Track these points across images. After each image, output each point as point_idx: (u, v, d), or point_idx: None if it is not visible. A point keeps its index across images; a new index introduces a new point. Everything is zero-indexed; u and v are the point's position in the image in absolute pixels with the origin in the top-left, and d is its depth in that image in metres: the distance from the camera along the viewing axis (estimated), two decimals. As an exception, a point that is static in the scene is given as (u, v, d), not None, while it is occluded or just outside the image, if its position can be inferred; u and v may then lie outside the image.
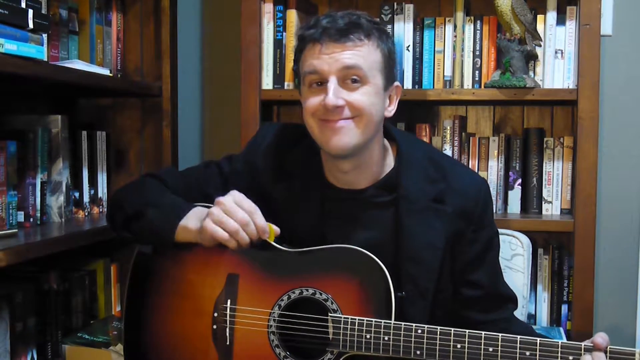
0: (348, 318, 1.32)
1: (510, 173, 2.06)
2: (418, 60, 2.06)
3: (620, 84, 2.15)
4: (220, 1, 2.41)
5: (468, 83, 2.03)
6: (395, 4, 2.04)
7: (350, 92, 1.32)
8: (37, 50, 1.55)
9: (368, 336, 1.31)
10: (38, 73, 1.58)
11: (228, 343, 1.39)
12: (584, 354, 1.24)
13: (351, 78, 1.32)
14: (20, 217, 1.76)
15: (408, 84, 2.05)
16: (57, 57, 1.86)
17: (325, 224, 1.46)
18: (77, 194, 2.00)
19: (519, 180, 2.06)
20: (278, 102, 2.25)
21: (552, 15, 1.98)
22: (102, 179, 2.09)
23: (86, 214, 2.01)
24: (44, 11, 1.71)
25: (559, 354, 1.24)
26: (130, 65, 2.18)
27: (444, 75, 2.04)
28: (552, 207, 2.04)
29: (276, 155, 1.50)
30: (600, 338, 1.26)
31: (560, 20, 1.98)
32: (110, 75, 1.99)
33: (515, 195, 2.06)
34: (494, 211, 2.03)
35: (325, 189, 1.47)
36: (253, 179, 1.51)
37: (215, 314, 1.41)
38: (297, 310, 1.37)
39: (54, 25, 1.84)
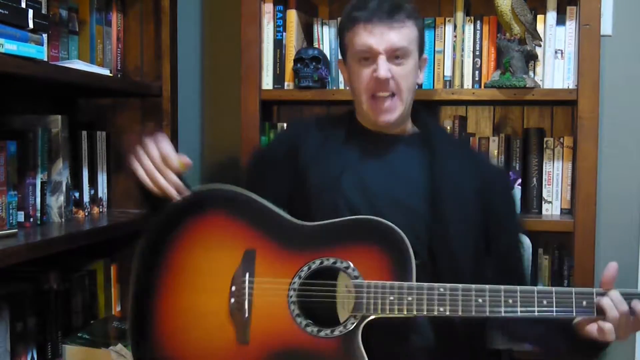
0: (371, 282, 1.34)
1: (510, 173, 2.06)
2: (418, 60, 2.06)
3: (620, 84, 2.15)
4: (220, 1, 2.41)
5: (468, 83, 2.03)
6: (395, 4, 2.04)
7: (395, 67, 1.50)
8: (37, 50, 1.55)
9: (392, 298, 1.33)
10: (38, 73, 1.58)
11: (246, 316, 1.39)
12: (597, 297, 1.32)
13: (396, 55, 1.49)
14: (20, 217, 1.76)
15: (408, 84, 2.05)
16: (57, 57, 1.86)
17: (365, 163, 1.54)
18: (77, 194, 2.00)
19: (519, 180, 2.06)
20: (278, 102, 2.25)
21: (552, 15, 1.98)
22: (102, 179, 2.09)
23: (86, 214, 2.01)
24: (44, 11, 1.71)
25: (574, 299, 1.30)
26: (130, 65, 2.18)
27: (444, 75, 2.05)
28: (552, 207, 2.04)
29: (313, 124, 1.65)
30: (608, 272, 1.36)
31: (560, 20, 1.98)
32: (110, 75, 1.99)
33: (515, 195, 2.06)
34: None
35: (362, 133, 1.59)
36: (293, 147, 1.59)
37: (233, 288, 1.40)
38: (319, 280, 1.39)
39: (54, 25, 1.84)
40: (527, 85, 1.91)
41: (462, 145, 1.65)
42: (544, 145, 2.04)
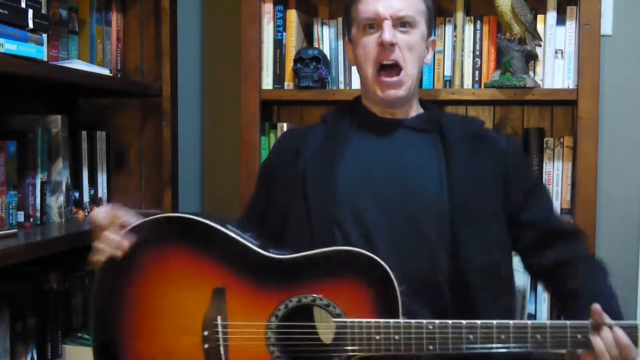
0: (354, 321, 1.28)
1: (510, 173, 2.06)
2: (418, 60, 2.05)
3: (620, 84, 2.15)
4: (220, 1, 2.41)
5: (468, 83, 2.03)
6: (395, 4, 2.04)
7: (401, 35, 1.49)
8: (37, 50, 1.55)
9: (377, 337, 1.27)
10: (38, 73, 1.58)
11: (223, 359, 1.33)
12: (591, 333, 1.26)
13: (402, 22, 1.48)
14: (20, 217, 1.76)
15: (408, 84, 2.05)
16: (57, 57, 1.86)
17: (371, 150, 1.51)
18: (77, 194, 2.00)
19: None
20: (278, 102, 2.25)
21: (552, 15, 1.98)
22: (102, 179, 2.09)
23: (86, 214, 2.01)
24: (44, 11, 1.71)
25: (568, 335, 1.26)
26: (130, 65, 2.18)
27: (444, 75, 2.04)
28: (552, 207, 2.04)
29: (311, 126, 1.63)
30: (595, 310, 1.27)
31: (560, 20, 1.98)
32: (110, 75, 1.99)
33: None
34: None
35: (368, 119, 1.55)
36: (296, 155, 1.55)
37: (206, 333, 1.33)
38: (297, 319, 1.32)
39: (54, 25, 1.84)
40: (527, 85, 1.91)
41: (471, 124, 1.60)
42: (544, 145, 2.04)
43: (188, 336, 1.33)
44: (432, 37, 1.61)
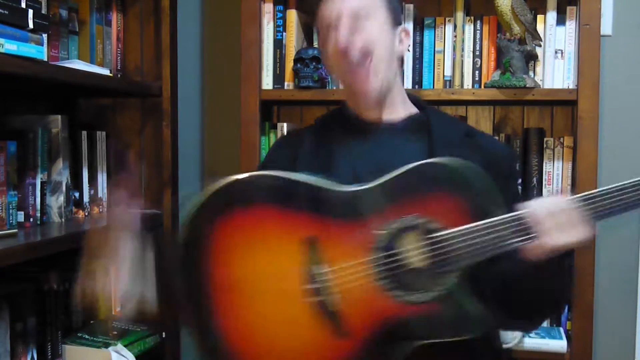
0: (455, 231, 1.25)
1: (510, 173, 2.06)
2: (418, 60, 2.06)
3: (620, 84, 2.15)
4: (220, 1, 2.41)
5: (468, 83, 2.03)
6: (395, 4, 2.04)
7: (360, 31, 1.42)
8: (37, 50, 1.55)
9: (478, 240, 1.24)
10: (38, 73, 1.58)
11: (337, 309, 1.26)
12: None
13: (358, 16, 1.42)
14: (20, 217, 1.76)
15: (408, 84, 2.05)
16: (57, 57, 1.86)
17: (358, 154, 1.47)
18: (77, 194, 2.00)
19: (519, 180, 2.06)
20: (278, 102, 2.25)
21: (552, 15, 1.98)
22: (102, 179, 2.09)
23: (86, 214, 2.01)
24: (44, 11, 1.71)
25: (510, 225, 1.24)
26: (130, 65, 2.18)
27: (444, 75, 2.04)
28: (552, 207, 2.04)
29: (304, 130, 1.59)
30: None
31: (560, 20, 1.98)
32: (110, 75, 1.99)
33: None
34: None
35: (355, 124, 1.51)
36: (294, 152, 1.52)
37: (311, 286, 1.26)
38: (397, 245, 1.28)
39: (54, 25, 1.84)
40: (527, 85, 1.91)
41: (463, 128, 1.58)
42: (544, 145, 2.04)
43: (292, 296, 1.27)
44: (402, 27, 1.52)
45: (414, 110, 1.54)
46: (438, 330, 1.27)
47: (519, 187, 1.52)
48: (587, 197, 1.29)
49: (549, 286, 1.36)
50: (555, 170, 2.04)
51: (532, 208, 1.26)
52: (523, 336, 1.94)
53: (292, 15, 2.08)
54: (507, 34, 1.94)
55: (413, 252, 1.27)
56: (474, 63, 2.03)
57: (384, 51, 1.45)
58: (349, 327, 1.27)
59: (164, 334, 2.06)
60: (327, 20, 1.45)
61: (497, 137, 2.08)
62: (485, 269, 1.30)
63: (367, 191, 1.29)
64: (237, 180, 1.30)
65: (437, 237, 1.26)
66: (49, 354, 1.83)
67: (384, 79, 1.45)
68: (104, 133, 2.10)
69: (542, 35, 1.97)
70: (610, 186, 1.28)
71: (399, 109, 1.51)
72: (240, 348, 1.29)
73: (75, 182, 1.99)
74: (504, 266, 1.32)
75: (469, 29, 2.03)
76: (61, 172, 1.87)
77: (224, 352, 1.29)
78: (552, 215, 1.27)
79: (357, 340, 1.27)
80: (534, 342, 1.92)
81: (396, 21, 1.49)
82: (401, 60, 1.53)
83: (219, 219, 1.29)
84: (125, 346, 1.85)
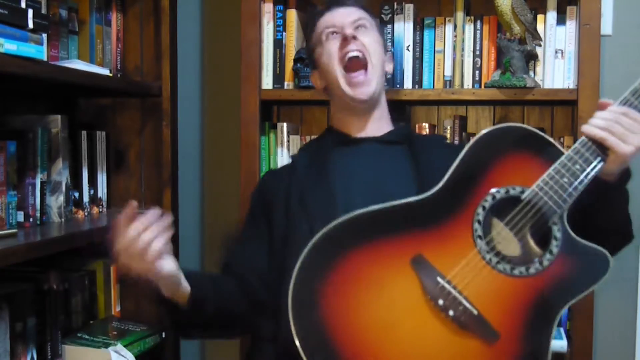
0: (539, 183, 1.30)
1: (510, 173, 2.06)
2: (418, 60, 2.05)
3: (620, 84, 2.14)
4: (220, 1, 2.41)
5: (468, 83, 2.03)
6: (395, 3, 2.04)
7: (360, 34, 1.60)
8: (37, 50, 1.55)
9: (564, 180, 1.30)
10: (38, 73, 1.58)
11: (475, 313, 1.25)
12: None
13: (357, 25, 1.60)
14: (20, 217, 1.76)
15: (408, 84, 2.05)
16: (57, 57, 1.86)
17: (352, 170, 1.56)
18: (76, 194, 2.00)
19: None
20: (278, 102, 2.25)
21: (552, 15, 1.97)
22: (101, 179, 2.09)
23: (86, 214, 2.01)
24: (44, 11, 1.71)
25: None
26: (130, 65, 2.18)
27: (444, 75, 2.04)
28: (552, 207, 2.04)
29: (293, 161, 1.69)
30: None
31: (560, 20, 1.98)
32: (110, 75, 1.99)
33: None
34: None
35: (342, 142, 1.63)
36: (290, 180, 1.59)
37: (440, 302, 1.25)
38: (494, 226, 1.32)
39: (54, 25, 1.84)
40: (527, 85, 1.91)
41: (438, 137, 1.77)
42: (544, 145, 2.04)
43: (427, 321, 1.25)
44: (390, 52, 1.75)
45: (392, 127, 1.67)
46: (576, 286, 1.28)
47: None
48: (631, 93, 1.39)
49: (623, 209, 1.44)
50: (555, 170, 2.04)
51: (595, 125, 1.34)
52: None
53: (292, 15, 2.08)
54: (507, 34, 1.94)
55: (513, 225, 1.30)
56: (474, 63, 2.03)
57: (378, 61, 1.60)
58: (497, 326, 1.24)
59: (164, 334, 2.06)
60: (330, 26, 1.60)
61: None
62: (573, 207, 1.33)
63: (442, 187, 1.34)
64: (325, 233, 1.31)
65: (525, 198, 1.30)
66: (49, 354, 1.83)
67: (376, 88, 1.58)
68: (104, 133, 2.10)
69: (542, 35, 1.97)
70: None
71: (384, 125, 1.65)
72: None
73: (75, 182, 1.99)
74: (586, 200, 1.35)
75: (469, 29, 2.03)
76: (61, 172, 1.87)
77: None
78: (616, 122, 1.33)
79: (512, 337, 1.24)
80: (534, 342, 1.92)
81: (385, 45, 1.69)
82: (385, 81, 1.69)
83: (324, 277, 1.28)
84: (125, 346, 1.85)
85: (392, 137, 1.63)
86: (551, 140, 1.38)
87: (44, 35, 1.66)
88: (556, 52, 1.98)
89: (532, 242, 1.33)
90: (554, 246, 1.30)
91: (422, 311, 1.26)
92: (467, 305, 1.25)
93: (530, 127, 1.40)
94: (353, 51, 1.56)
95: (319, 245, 1.30)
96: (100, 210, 2.07)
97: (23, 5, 1.53)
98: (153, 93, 2.12)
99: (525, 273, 1.28)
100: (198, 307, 1.40)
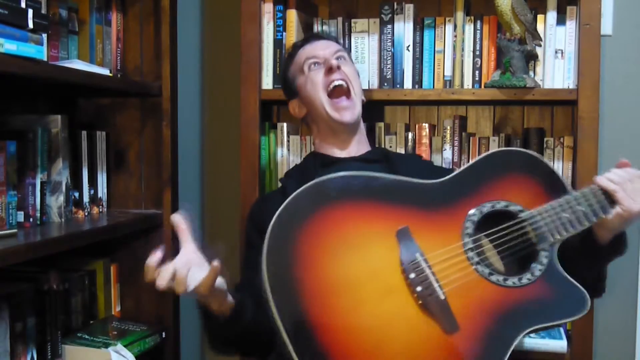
0: (540, 210, 1.34)
1: (510, 173, 2.06)
2: (418, 60, 2.06)
3: (620, 84, 2.15)
4: (220, 1, 2.41)
5: (468, 83, 2.03)
6: (395, 4, 2.04)
7: (342, 64, 1.72)
8: (37, 50, 1.55)
9: (565, 214, 1.33)
10: (38, 73, 1.58)
11: (442, 298, 1.26)
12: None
13: (338, 57, 1.73)
14: (20, 217, 1.76)
15: (408, 84, 2.05)
16: (57, 57, 1.86)
17: None
18: (77, 194, 1.99)
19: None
20: (278, 102, 2.24)
21: (552, 15, 1.97)
22: (102, 179, 2.09)
23: (86, 214, 2.01)
24: (43, 11, 1.71)
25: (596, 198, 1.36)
26: (130, 65, 2.18)
27: (444, 75, 2.04)
28: (552, 207, 2.04)
29: (281, 188, 1.74)
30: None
31: (560, 20, 1.98)
32: (110, 75, 1.99)
33: None
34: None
35: (325, 161, 1.71)
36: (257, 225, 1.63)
37: (412, 275, 1.26)
38: (485, 230, 1.35)
39: (54, 25, 1.84)
40: (527, 85, 1.91)
41: (416, 158, 1.86)
42: (544, 145, 2.04)
43: (393, 289, 1.26)
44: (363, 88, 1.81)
45: (370, 147, 1.78)
46: (547, 314, 1.29)
47: None
48: None
49: (600, 269, 1.48)
50: (555, 170, 2.04)
51: (609, 179, 1.36)
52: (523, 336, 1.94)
53: (292, 15, 2.08)
54: (507, 34, 1.94)
55: (502, 236, 1.33)
56: (474, 63, 2.03)
57: (359, 89, 1.73)
58: (459, 319, 1.24)
59: (164, 334, 2.06)
60: (312, 57, 1.72)
61: (496, 138, 2.08)
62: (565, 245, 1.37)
63: (448, 182, 1.38)
64: (321, 181, 1.34)
65: (523, 217, 1.33)
66: (49, 354, 1.83)
67: (358, 113, 1.70)
68: (104, 133, 2.10)
69: (542, 35, 1.97)
70: None
71: (363, 146, 1.75)
72: (340, 349, 1.22)
73: (75, 182, 1.99)
74: (580, 244, 1.40)
75: (469, 29, 2.03)
76: (61, 172, 1.87)
77: (323, 355, 1.21)
78: (630, 181, 1.36)
79: (470, 334, 1.24)
80: (533, 341, 1.92)
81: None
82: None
83: (306, 221, 1.29)
84: (125, 346, 1.85)
85: (372, 156, 1.73)
86: (563, 180, 1.42)
87: (44, 35, 1.66)
88: (556, 52, 1.98)
89: (510, 259, 1.35)
90: (537, 269, 1.32)
91: (392, 280, 1.27)
92: (436, 287, 1.26)
93: (549, 165, 1.45)
94: (337, 80, 1.68)
95: (311, 192, 1.32)
96: (101, 210, 2.07)
97: (23, 5, 1.53)
98: (153, 93, 2.12)
99: (501, 282, 1.29)
100: (239, 315, 1.39)
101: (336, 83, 1.68)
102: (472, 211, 1.34)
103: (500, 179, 1.38)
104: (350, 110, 1.68)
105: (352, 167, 1.64)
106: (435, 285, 1.26)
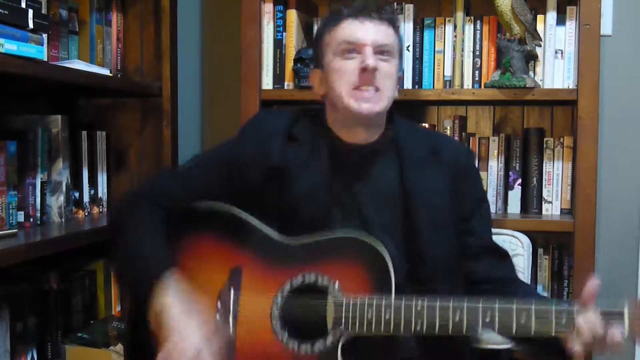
0: (349, 299, 1.36)
1: (510, 173, 2.06)
2: (418, 60, 2.06)
3: (620, 84, 2.15)
4: (220, 1, 2.41)
5: (468, 83, 2.03)
6: (395, 4, 2.04)
7: (381, 62, 1.47)
8: (37, 50, 1.55)
9: (369, 315, 1.34)
10: (38, 73, 1.58)
11: (231, 332, 1.42)
12: (577, 316, 1.28)
13: (381, 50, 1.48)
14: (20, 217, 1.76)
15: (408, 84, 2.05)
16: (57, 57, 1.86)
17: (335, 177, 1.53)
18: (77, 194, 2.00)
19: (519, 180, 2.06)
20: (278, 102, 2.24)
21: (552, 15, 1.98)
22: (102, 179, 2.09)
23: (86, 214, 2.01)
24: (44, 11, 1.71)
25: (553, 317, 1.29)
26: (130, 65, 2.18)
27: (444, 75, 2.04)
28: (552, 207, 2.04)
29: (284, 133, 1.59)
30: (588, 289, 1.30)
31: (560, 20, 1.98)
32: (110, 75, 1.99)
33: (515, 195, 2.06)
34: (494, 211, 2.04)
35: (334, 145, 1.56)
36: (264, 165, 1.55)
37: (219, 304, 1.44)
38: (300, 297, 1.41)
39: (54, 25, 1.84)
40: (527, 85, 1.91)
41: (429, 135, 1.73)
42: (544, 145, 2.04)
43: (205, 304, 1.41)
44: (400, 73, 1.64)
45: (384, 128, 1.58)
46: None
47: (484, 192, 1.70)
48: None
49: None
50: (555, 171, 2.04)
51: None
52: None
53: (292, 15, 2.08)
54: (507, 34, 1.94)
55: (308, 307, 1.40)
56: (474, 63, 2.03)
57: (392, 90, 1.50)
58: (237, 353, 1.40)
59: (164, 334, 2.05)
60: (352, 42, 1.47)
61: (496, 138, 2.08)
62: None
63: (294, 246, 1.45)
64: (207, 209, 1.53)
65: (337, 301, 1.38)
66: (49, 354, 1.83)
67: (380, 110, 1.50)
68: (104, 133, 2.10)
69: (542, 35, 1.97)
70: None
71: (377, 132, 1.56)
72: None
73: (75, 182, 1.99)
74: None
75: (469, 29, 2.03)
76: (61, 172, 1.87)
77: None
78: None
79: None
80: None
81: (400, 66, 1.56)
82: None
83: (183, 239, 1.51)
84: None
85: (379, 147, 1.55)
86: (392, 281, 1.39)
87: (44, 36, 1.66)
88: (556, 52, 1.98)
89: (314, 331, 1.39)
90: (317, 346, 1.37)
91: (208, 298, 1.44)
92: (231, 321, 1.43)
93: (388, 262, 1.40)
94: (368, 87, 1.46)
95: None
96: (101, 210, 2.07)
97: (23, 5, 1.53)
98: (153, 93, 2.12)
99: (282, 341, 1.39)
100: None
101: (364, 88, 1.47)
102: (297, 276, 1.41)
103: (339, 260, 1.42)
104: (372, 103, 1.46)
105: (353, 158, 1.55)
106: (230, 319, 1.43)
